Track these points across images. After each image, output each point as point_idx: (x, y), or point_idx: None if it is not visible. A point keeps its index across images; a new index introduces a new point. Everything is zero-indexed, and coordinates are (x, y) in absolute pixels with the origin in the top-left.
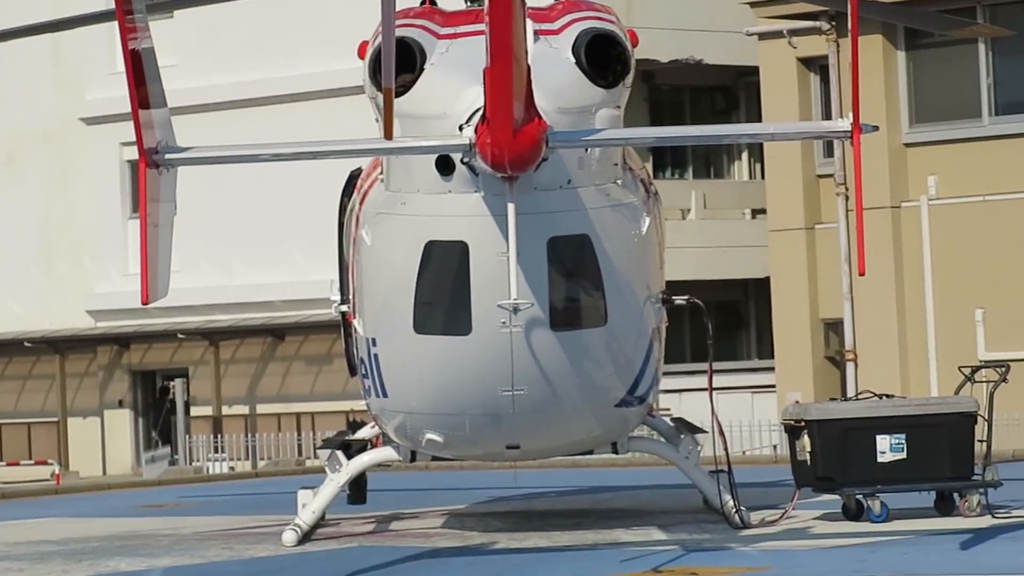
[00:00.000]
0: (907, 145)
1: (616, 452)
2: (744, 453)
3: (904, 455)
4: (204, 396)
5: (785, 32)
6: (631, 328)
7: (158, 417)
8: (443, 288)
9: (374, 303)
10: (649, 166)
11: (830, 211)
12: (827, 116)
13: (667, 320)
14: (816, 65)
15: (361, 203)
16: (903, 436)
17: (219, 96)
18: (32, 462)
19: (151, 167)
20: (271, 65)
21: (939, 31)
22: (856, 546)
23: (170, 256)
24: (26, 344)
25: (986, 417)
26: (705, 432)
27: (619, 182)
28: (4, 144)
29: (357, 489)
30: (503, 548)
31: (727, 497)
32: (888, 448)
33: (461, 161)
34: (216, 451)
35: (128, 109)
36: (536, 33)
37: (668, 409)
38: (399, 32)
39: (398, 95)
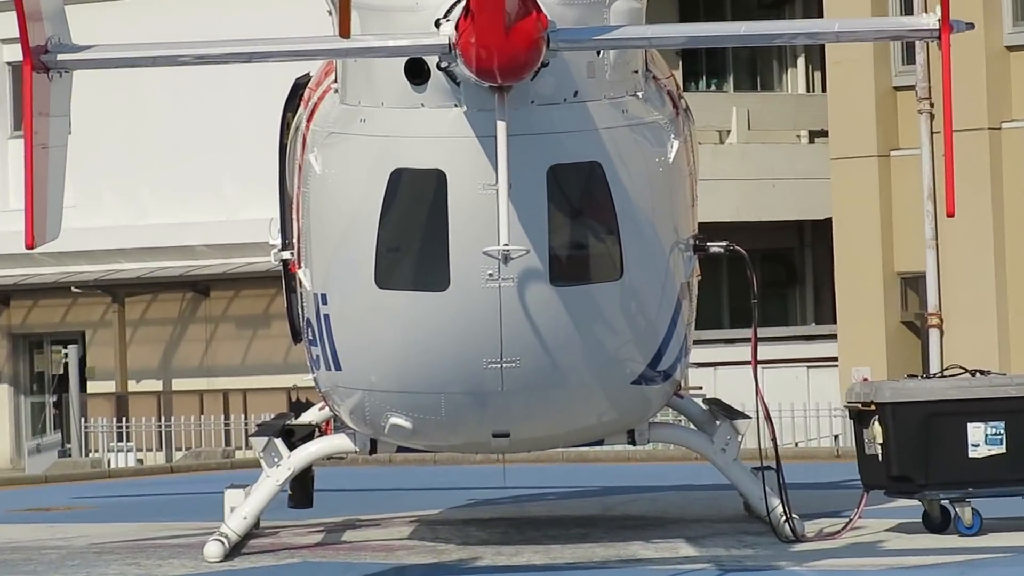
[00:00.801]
0: (1010, 48)
1: (633, 443)
2: (797, 445)
3: (1003, 449)
4: (105, 368)
5: None
6: (653, 282)
7: (46, 394)
8: (413, 230)
9: (325, 249)
10: (678, 75)
11: (910, 134)
12: (907, 11)
13: (700, 273)
14: None
15: (309, 120)
16: (1002, 425)
17: None
18: None
19: (38, 71)
20: None
21: None
22: (941, 566)
23: (63, 188)
24: None
25: None
26: (748, 418)
27: (640, 95)
28: None
29: (301, 489)
30: (488, 566)
31: (775, 501)
32: (983, 440)
33: (437, 66)
34: (120, 439)
35: None
36: None
37: (700, 388)
38: None
39: None
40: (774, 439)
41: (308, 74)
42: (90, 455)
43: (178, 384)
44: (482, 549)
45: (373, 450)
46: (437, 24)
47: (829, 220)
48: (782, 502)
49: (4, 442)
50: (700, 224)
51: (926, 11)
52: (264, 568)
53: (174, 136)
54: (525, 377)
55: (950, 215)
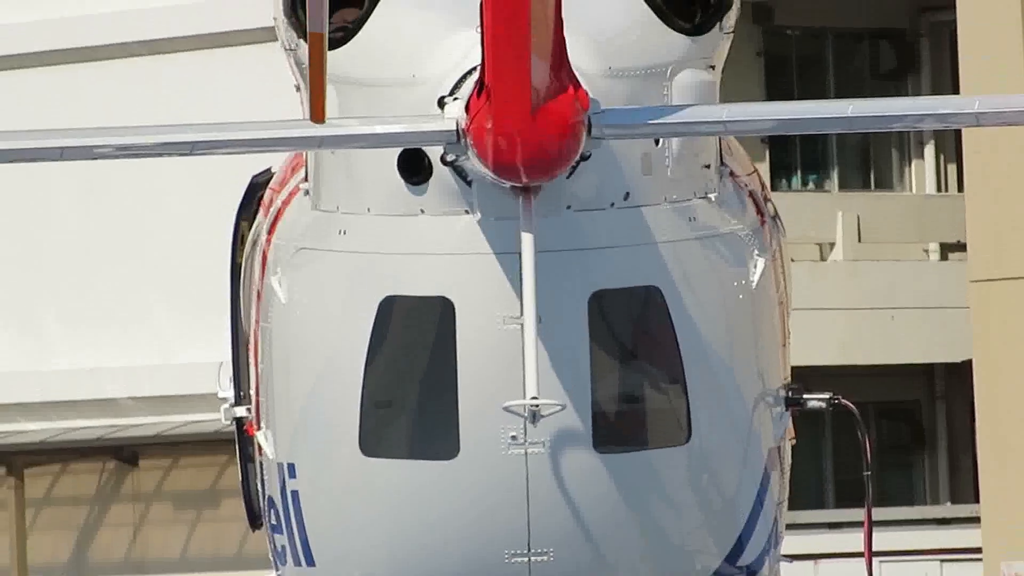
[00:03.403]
0: None
1: None
2: None
3: None
4: None
5: None
6: (731, 448)
7: None
8: (411, 378)
9: (293, 404)
10: (764, 170)
11: None
12: None
13: (794, 435)
14: None
15: (271, 231)
16: None
17: (24, 41)
18: None
19: None
20: None
21: None
22: None
23: None
24: None
25: None
26: None
27: (712, 197)
28: None
29: None
30: None
31: None
32: None
33: (442, 160)
34: None
35: None
36: None
37: None
38: None
39: (334, 45)
40: None
41: (269, 170)
42: None
43: None
44: None
45: None
46: (441, 104)
47: (968, 363)
48: None
49: None
50: (794, 369)
51: None
52: None
53: (87, 251)
54: (560, 575)
55: None
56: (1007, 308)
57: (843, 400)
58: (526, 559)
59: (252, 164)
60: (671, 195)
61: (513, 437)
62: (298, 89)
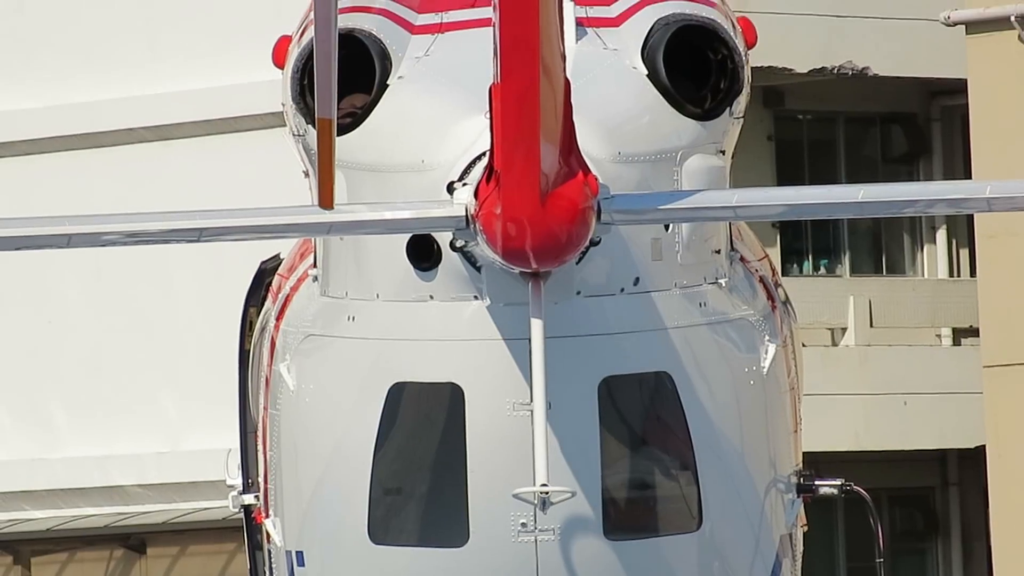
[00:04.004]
0: None
1: None
2: None
3: None
4: None
5: (1013, 19)
6: (743, 535)
7: None
8: (420, 465)
9: (301, 491)
10: (775, 255)
11: None
12: None
13: (806, 522)
14: None
15: (279, 318)
16: None
17: (33, 127)
18: None
19: None
20: (120, 77)
21: None
22: None
23: None
24: None
25: None
26: None
27: (723, 283)
28: None
29: None
30: None
31: None
32: None
33: (451, 246)
34: None
35: None
36: (581, 23)
37: None
38: (346, 20)
39: (343, 131)
40: None
41: (277, 256)
42: None
43: None
44: None
45: None
46: (450, 189)
47: (982, 449)
48: None
49: None
50: (806, 455)
51: None
52: None
53: (94, 339)
54: None
55: None
56: (1020, 393)
57: (855, 487)
58: None
59: (261, 250)
60: (681, 280)
61: (523, 524)
62: (306, 175)
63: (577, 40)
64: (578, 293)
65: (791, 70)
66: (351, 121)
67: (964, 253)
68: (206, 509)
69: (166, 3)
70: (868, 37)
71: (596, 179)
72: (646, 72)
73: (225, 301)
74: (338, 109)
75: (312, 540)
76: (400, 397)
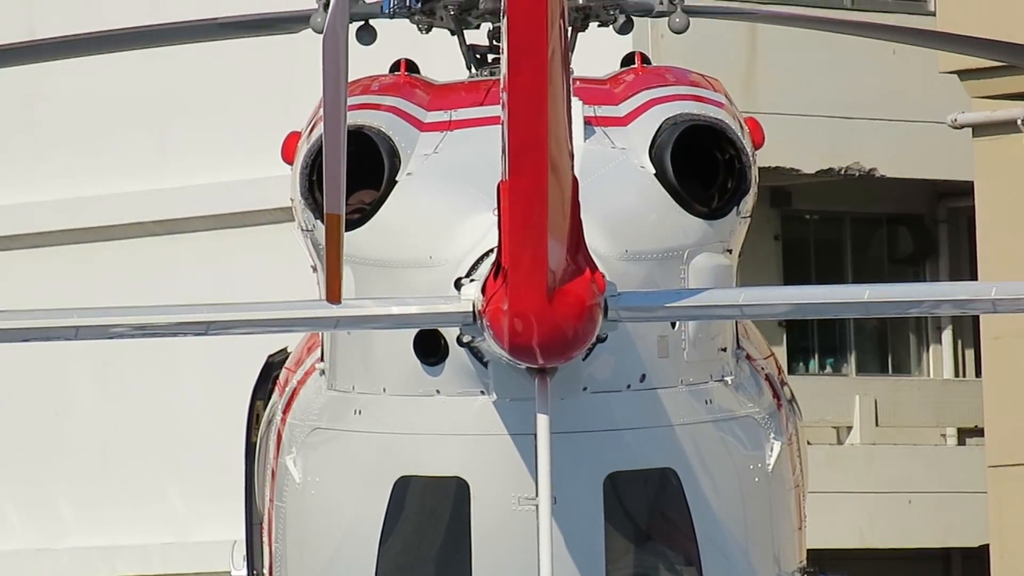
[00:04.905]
0: None
1: None
2: None
3: None
4: None
5: (1020, 122)
6: None
7: None
8: (425, 558)
9: None
10: (781, 353)
11: None
12: None
13: None
14: None
15: (286, 411)
16: None
17: (40, 221)
18: None
19: None
20: (129, 171)
21: None
22: None
23: None
24: None
25: None
26: None
27: (729, 380)
28: None
29: None
30: None
31: None
32: None
33: (458, 341)
34: None
35: None
36: (589, 122)
37: None
38: (356, 117)
39: (351, 226)
40: None
41: (285, 350)
42: None
43: None
44: None
45: None
46: (458, 285)
47: (985, 549)
48: None
49: None
50: (811, 552)
51: None
52: None
53: (101, 430)
54: None
55: None
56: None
57: None
58: None
59: (268, 344)
60: (687, 378)
61: None
62: (314, 270)
63: (585, 139)
64: (584, 389)
65: (798, 171)
66: (360, 217)
67: (970, 353)
68: None
69: (176, 99)
70: (875, 139)
71: (603, 276)
72: (654, 171)
73: (232, 394)
74: (347, 205)
75: None
76: (406, 491)
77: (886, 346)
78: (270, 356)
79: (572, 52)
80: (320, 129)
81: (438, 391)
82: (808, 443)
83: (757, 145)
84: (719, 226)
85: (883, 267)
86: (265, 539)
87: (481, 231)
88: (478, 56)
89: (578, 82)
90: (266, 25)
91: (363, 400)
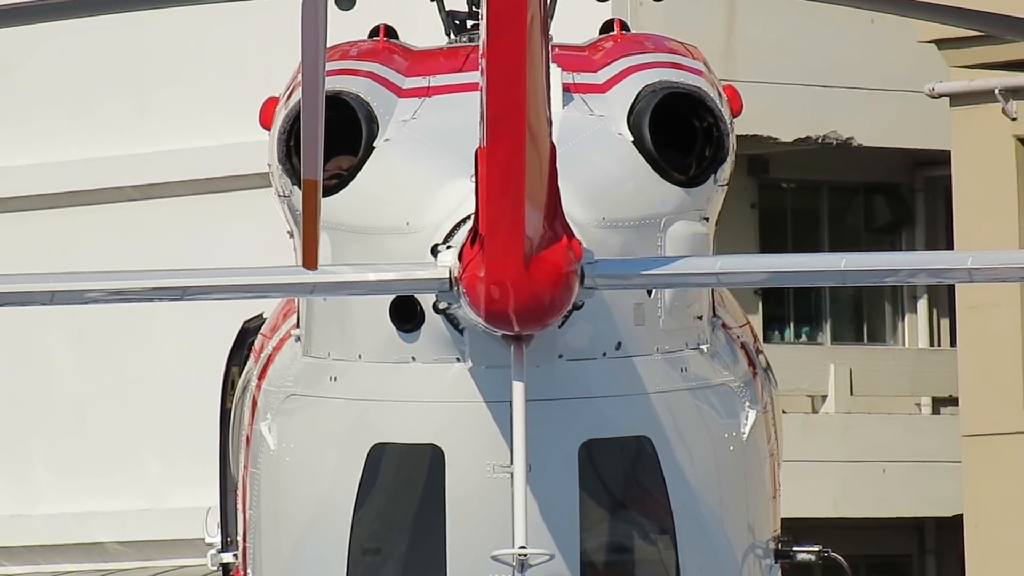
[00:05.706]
0: None
1: None
2: None
3: None
4: None
5: (998, 92)
6: None
7: None
8: (399, 525)
9: (280, 550)
10: (757, 322)
11: None
12: None
13: None
14: None
15: (261, 377)
16: None
17: (18, 185)
18: None
19: None
20: (107, 136)
21: None
22: None
23: None
24: None
25: None
26: None
27: (704, 349)
28: None
29: None
30: None
31: None
32: None
33: (434, 308)
34: None
35: None
36: (567, 88)
37: None
38: (334, 83)
39: (328, 192)
40: None
41: (260, 316)
42: None
43: None
44: None
45: None
46: (434, 252)
47: (959, 518)
48: None
49: None
50: (785, 521)
51: None
52: None
53: (77, 396)
54: None
55: None
56: (998, 463)
57: (833, 553)
58: None
59: (244, 309)
60: (663, 346)
61: None
62: (291, 235)
63: (564, 106)
64: (560, 357)
65: (776, 139)
66: (337, 183)
67: (945, 323)
68: (185, 567)
69: (155, 64)
70: (853, 108)
71: (580, 244)
72: (632, 139)
73: (208, 360)
74: (324, 171)
75: None
76: (380, 458)
77: (861, 315)
78: (246, 322)
79: (551, 19)
80: (298, 94)
81: (414, 358)
82: (783, 412)
83: (735, 113)
84: (696, 194)
85: (860, 236)
86: (239, 506)
87: (458, 198)
88: (457, 22)
89: (557, 49)
90: None
91: (339, 367)
